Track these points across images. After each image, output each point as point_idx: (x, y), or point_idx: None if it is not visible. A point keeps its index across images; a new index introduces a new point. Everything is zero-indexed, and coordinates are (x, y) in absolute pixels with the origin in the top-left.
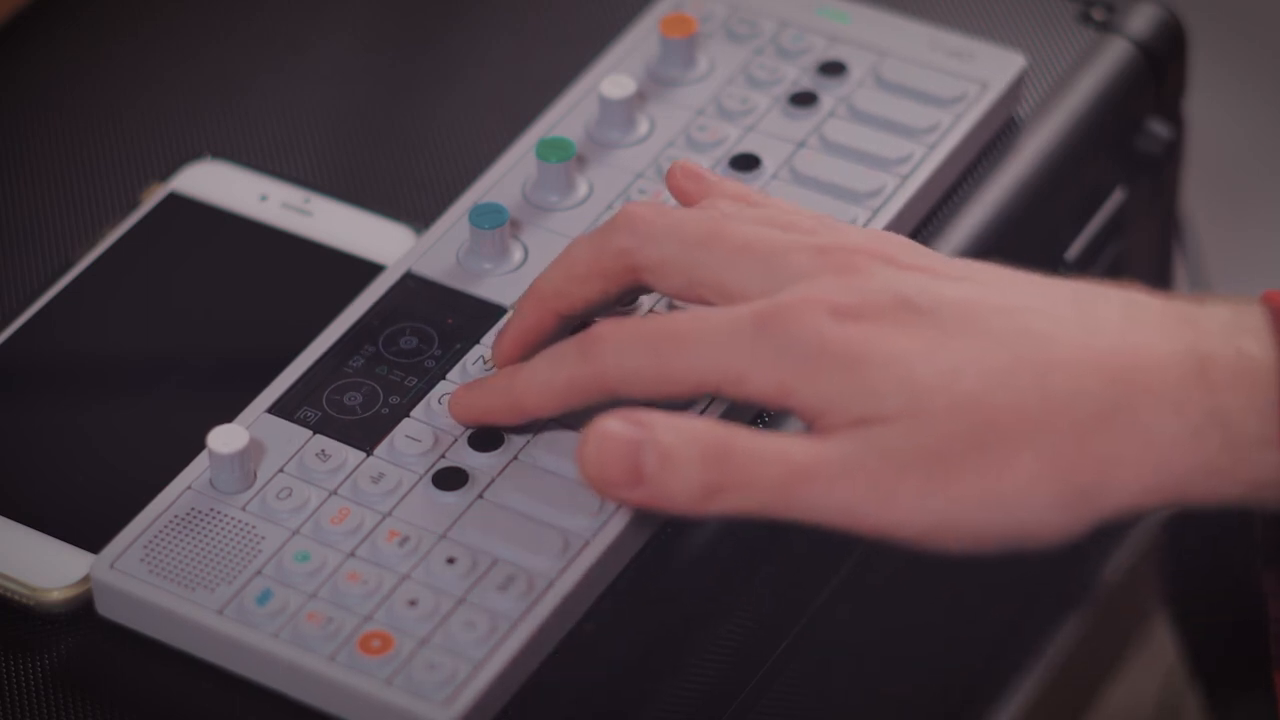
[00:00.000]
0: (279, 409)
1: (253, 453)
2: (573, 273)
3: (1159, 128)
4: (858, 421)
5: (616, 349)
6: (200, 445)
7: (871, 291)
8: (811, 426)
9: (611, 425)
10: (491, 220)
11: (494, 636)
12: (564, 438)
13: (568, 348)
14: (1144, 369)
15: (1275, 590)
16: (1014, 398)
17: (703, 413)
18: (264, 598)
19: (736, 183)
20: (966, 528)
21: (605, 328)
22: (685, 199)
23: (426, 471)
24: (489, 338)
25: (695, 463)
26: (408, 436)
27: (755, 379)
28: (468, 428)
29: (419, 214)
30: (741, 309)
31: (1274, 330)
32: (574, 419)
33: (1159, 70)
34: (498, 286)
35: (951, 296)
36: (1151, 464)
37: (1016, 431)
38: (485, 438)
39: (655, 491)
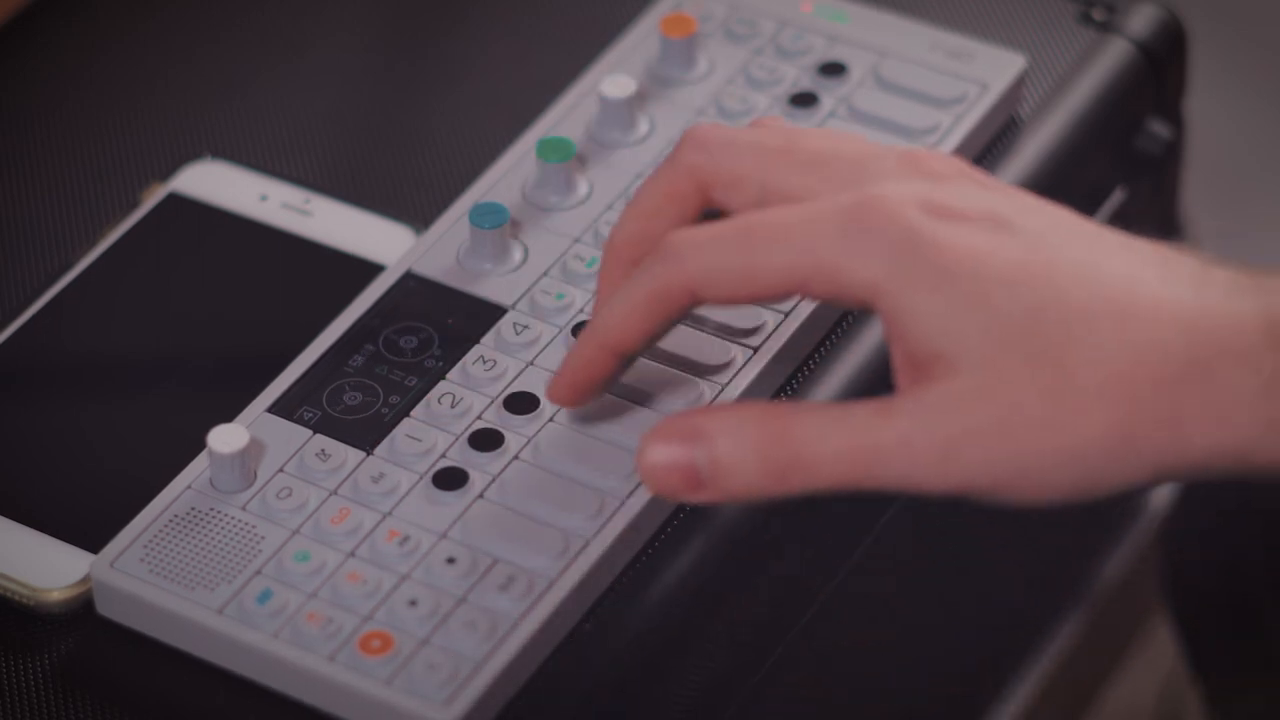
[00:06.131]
0: (279, 408)
1: (253, 452)
2: (644, 208)
3: (1159, 128)
4: (932, 360)
5: (696, 250)
6: (200, 445)
7: (964, 197)
8: (891, 334)
9: (660, 447)
10: (492, 220)
11: (494, 636)
12: (564, 437)
13: (645, 263)
14: (1222, 328)
15: None
16: (1094, 347)
17: None
18: (264, 597)
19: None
20: (1034, 481)
21: (682, 234)
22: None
23: (427, 471)
24: (489, 337)
25: (751, 464)
26: (408, 436)
27: (848, 272)
28: (572, 405)
29: (419, 214)
30: (829, 201)
31: None
32: (576, 420)
33: (1159, 70)
34: (498, 286)
35: (1037, 221)
36: (1227, 422)
37: (1094, 384)
38: (485, 438)
39: (717, 493)
